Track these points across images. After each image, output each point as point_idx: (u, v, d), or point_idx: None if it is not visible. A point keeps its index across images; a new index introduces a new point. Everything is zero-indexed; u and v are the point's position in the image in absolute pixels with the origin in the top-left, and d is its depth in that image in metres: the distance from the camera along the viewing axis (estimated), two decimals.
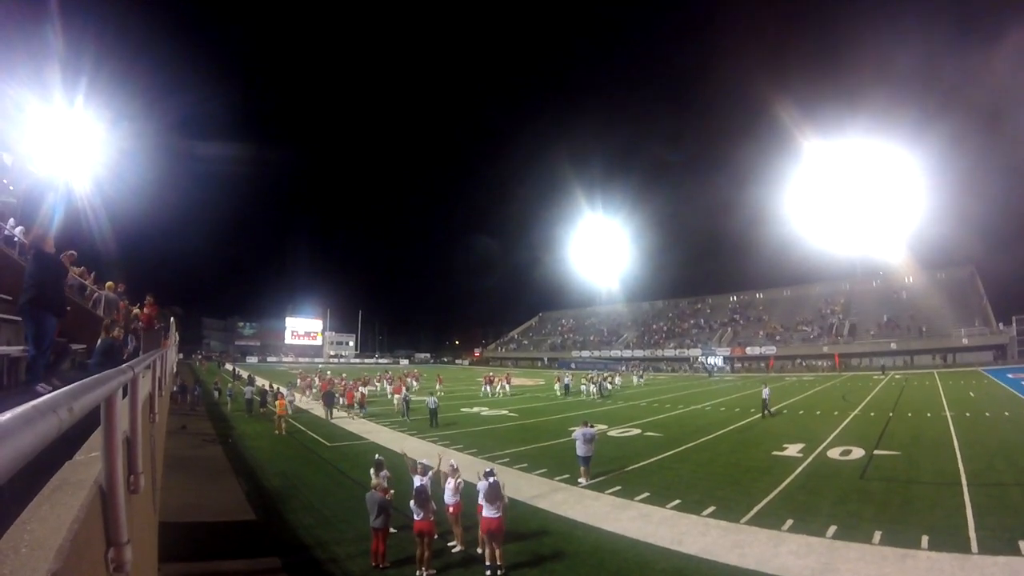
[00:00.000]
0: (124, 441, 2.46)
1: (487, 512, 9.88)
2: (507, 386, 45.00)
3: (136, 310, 13.56)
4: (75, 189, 35.36)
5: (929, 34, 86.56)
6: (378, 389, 43.88)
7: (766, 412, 27.67)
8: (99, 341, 7.78)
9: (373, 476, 12.31)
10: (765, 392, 28.55)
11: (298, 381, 44.12)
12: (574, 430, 16.71)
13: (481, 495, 10.05)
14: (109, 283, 12.92)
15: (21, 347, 6.19)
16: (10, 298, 9.23)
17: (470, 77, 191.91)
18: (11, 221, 14.00)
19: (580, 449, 15.74)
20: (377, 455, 13.83)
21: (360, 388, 36.67)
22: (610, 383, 46.90)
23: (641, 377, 60.70)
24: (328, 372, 53.60)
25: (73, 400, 1.49)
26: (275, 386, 38.98)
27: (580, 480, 15.60)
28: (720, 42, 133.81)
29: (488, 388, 43.72)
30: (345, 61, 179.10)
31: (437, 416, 26.23)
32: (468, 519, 10.87)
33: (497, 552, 9.66)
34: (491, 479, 10.19)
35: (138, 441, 2.92)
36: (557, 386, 43.94)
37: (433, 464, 11.98)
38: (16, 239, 13.06)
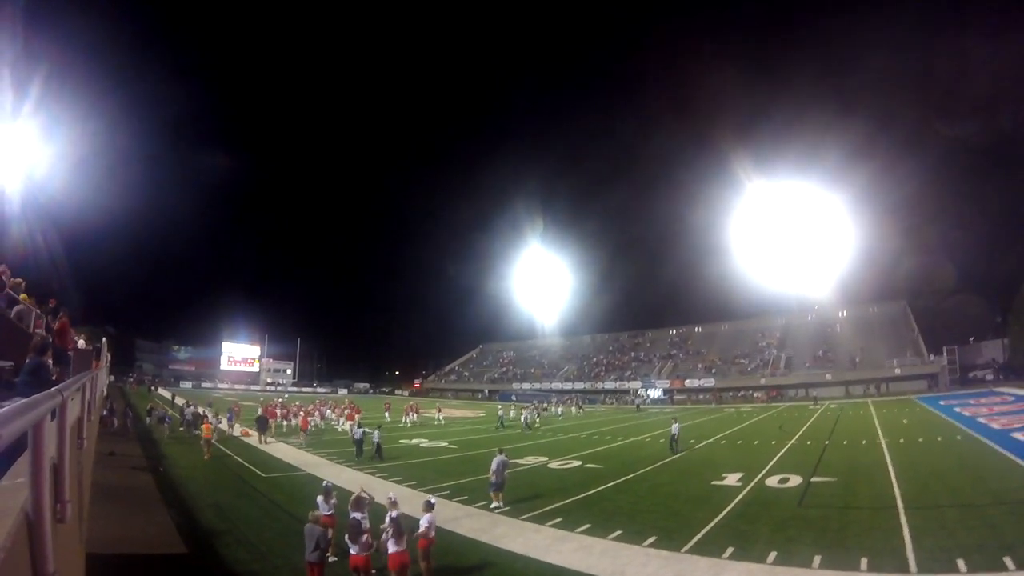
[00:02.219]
0: (51, 467, 2.34)
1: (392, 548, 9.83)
2: (440, 417, 47.89)
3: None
4: (9, 199, 34.09)
5: (857, 70, 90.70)
6: (330, 420, 43.06)
7: (673, 447, 26.63)
8: (27, 360, 7.44)
9: (321, 503, 12.01)
10: (675, 428, 27.69)
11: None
12: (495, 459, 16.91)
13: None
14: (23, 295, 12.30)
15: None
16: None
17: (410, 105, 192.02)
18: None
19: (495, 477, 16.43)
20: (325, 481, 13.53)
21: (314, 414, 38.22)
22: (538, 414, 48.25)
23: (580, 408, 64.33)
24: (278, 400, 52.35)
25: (2, 427, 1.41)
26: (202, 410, 37.93)
27: (494, 505, 16.11)
28: (664, 77, 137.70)
29: (407, 417, 45.46)
30: (290, 79, 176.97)
31: (382, 450, 25.15)
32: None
33: None
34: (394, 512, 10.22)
35: (65, 468, 2.78)
36: (525, 414, 44.19)
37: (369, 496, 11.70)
38: None
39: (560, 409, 62.66)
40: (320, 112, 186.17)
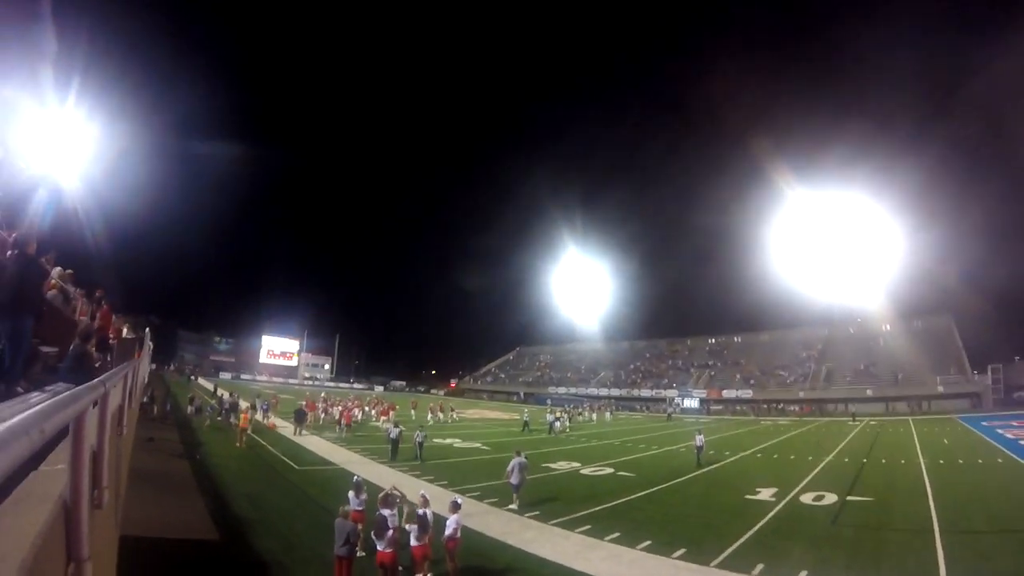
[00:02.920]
0: (91, 454, 2.40)
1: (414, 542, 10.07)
2: (454, 415, 49.63)
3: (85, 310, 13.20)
4: (64, 189, 35.03)
5: (917, 86, 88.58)
6: (369, 415, 43.72)
7: (699, 460, 25.96)
8: (72, 347, 7.66)
9: (352, 498, 12.12)
10: (699, 440, 26.81)
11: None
12: (512, 460, 17.16)
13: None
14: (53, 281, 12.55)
15: None
16: None
17: (456, 108, 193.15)
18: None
19: (513, 478, 16.59)
20: (356, 476, 13.66)
21: (354, 410, 38.86)
22: (569, 419, 48.19)
23: (611, 415, 64.10)
24: (321, 394, 53.38)
25: (45, 421, 1.46)
26: (239, 399, 38.70)
27: (512, 506, 16.29)
28: (709, 84, 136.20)
29: (430, 416, 46.24)
30: (332, 81, 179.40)
31: (423, 449, 24.60)
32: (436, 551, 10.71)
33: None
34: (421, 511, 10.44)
35: (104, 455, 2.86)
36: (549, 417, 44.07)
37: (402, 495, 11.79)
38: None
39: (594, 415, 62.58)
40: (368, 111, 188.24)
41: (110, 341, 11.72)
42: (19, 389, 5.54)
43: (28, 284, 6.15)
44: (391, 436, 24.43)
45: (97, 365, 7.86)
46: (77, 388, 2.23)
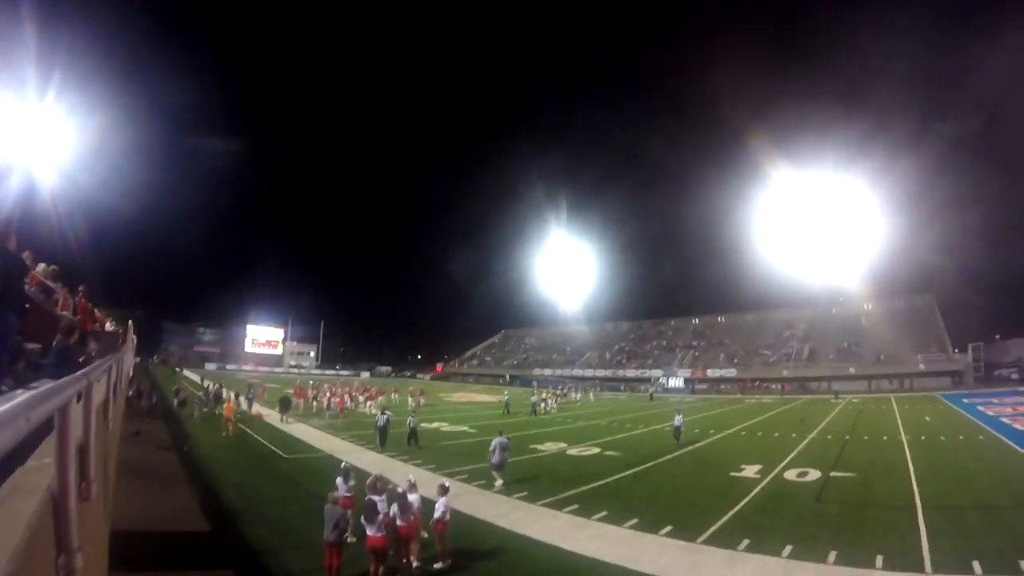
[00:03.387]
0: (77, 448, 2.43)
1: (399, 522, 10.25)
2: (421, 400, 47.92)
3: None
4: (39, 182, 34.61)
5: (893, 66, 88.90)
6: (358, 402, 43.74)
7: (678, 440, 25.39)
8: (55, 342, 7.62)
9: (340, 484, 12.17)
10: (678, 420, 26.34)
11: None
12: (494, 440, 17.49)
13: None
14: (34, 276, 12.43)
15: None
16: None
17: (438, 92, 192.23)
18: None
19: (495, 457, 16.99)
20: (344, 462, 13.72)
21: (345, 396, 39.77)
22: (555, 401, 49.49)
23: (593, 395, 65.68)
24: (310, 381, 53.54)
25: (30, 410, 1.48)
26: (224, 389, 38.68)
27: (497, 483, 16.73)
28: (691, 66, 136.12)
29: (411, 400, 46.45)
30: (313, 67, 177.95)
31: (416, 435, 24.30)
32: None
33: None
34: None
35: (91, 448, 2.88)
36: (534, 399, 44.40)
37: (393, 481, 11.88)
38: None
39: (579, 395, 63.13)
40: (345, 97, 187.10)
41: (90, 335, 11.63)
42: (3, 388, 5.51)
43: (9, 280, 6.10)
44: (379, 424, 23.79)
45: (81, 360, 7.83)
46: (60, 380, 2.25)
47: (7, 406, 1.41)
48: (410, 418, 25.27)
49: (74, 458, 2.16)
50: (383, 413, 25.05)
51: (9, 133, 33.32)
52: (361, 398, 44.39)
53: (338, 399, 36.70)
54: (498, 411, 42.87)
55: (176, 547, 11.21)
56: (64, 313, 11.38)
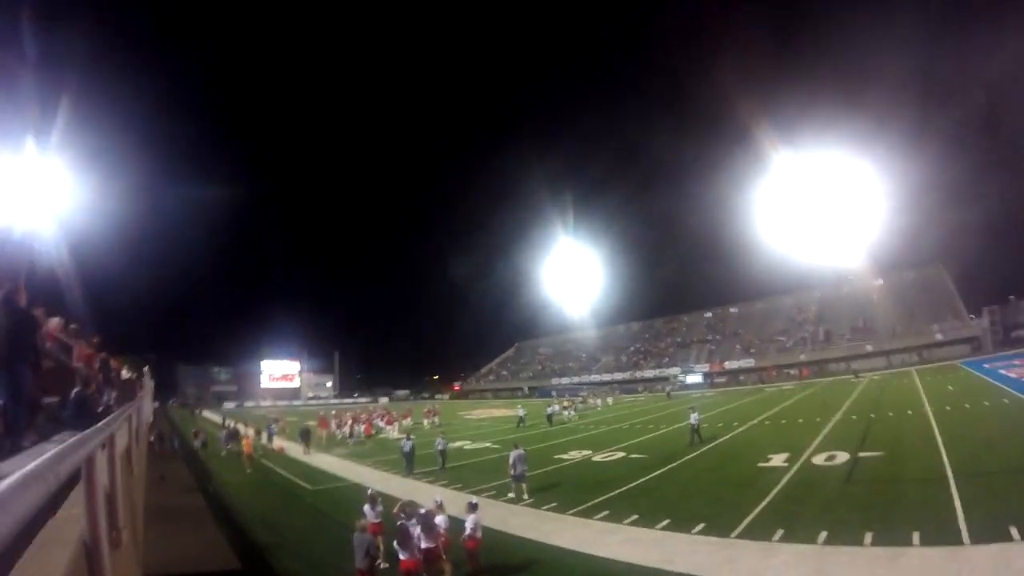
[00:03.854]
0: (105, 496, 2.44)
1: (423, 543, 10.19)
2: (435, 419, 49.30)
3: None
4: (43, 237, 34.91)
5: (884, 38, 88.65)
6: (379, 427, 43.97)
7: (693, 440, 24.45)
8: (72, 393, 7.67)
9: (368, 511, 12.18)
10: (694, 418, 25.30)
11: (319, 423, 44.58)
12: (511, 453, 17.80)
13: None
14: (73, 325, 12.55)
15: None
16: None
17: (442, 109, 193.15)
18: None
19: (515, 469, 17.20)
20: (370, 489, 13.72)
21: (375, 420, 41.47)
22: (573, 409, 49.22)
23: (611, 399, 65.05)
24: (332, 412, 53.93)
25: (58, 464, 1.49)
26: (238, 426, 38.91)
27: (524, 496, 16.96)
28: (689, 61, 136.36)
29: (426, 421, 48.22)
30: (321, 96, 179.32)
31: (446, 457, 23.94)
32: (457, 553, 10.76)
33: None
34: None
35: (118, 496, 2.89)
36: (548, 409, 44.23)
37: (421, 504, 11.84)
38: None
39: (599, 401, 62.89)
40: (349, 122, 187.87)
41: (106, 383, 11.70)
42: (26, 443, 5.55)
43: (21, 335, 6.15)
44: (404, 450, 22.83)
45: (100, 410, 7.88)
46: (84, 432, 2.26)
47: (35, 463, 1.42)
48: (439, 440, 24.82)
49: (103, 506, 2.17)
50: (408, 438, 23.90)
51: (11, 187, 33.69)
52: (381, 423, 44.47)
53: (364, 425, 37.18)
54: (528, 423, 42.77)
55: None
56: (79, 365, 11.47)
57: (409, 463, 22.72)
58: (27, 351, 6.17)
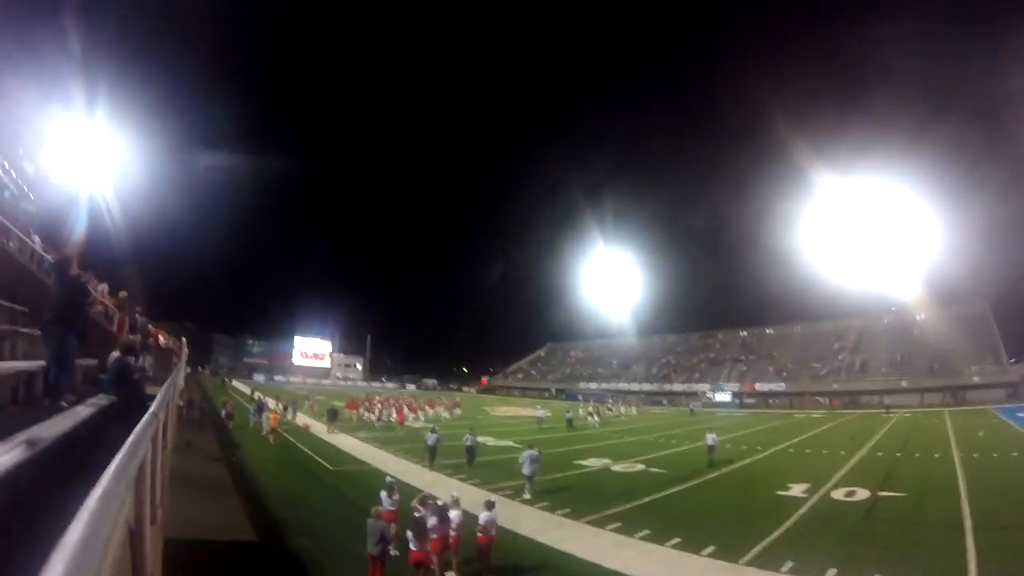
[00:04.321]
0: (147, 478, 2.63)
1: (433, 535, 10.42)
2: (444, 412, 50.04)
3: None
4: (94, 201, 36.07)
5: (946, 64, 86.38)
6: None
7: (711, 461, 24.56)
8: (112, 359, 8.00)
9: (385, 498, 12.44)
10: (710, 439, 25.41)
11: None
12: (524, 452, 18.63)
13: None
14: (123, 293, 13.06)
15: (39, 363, 6.38)
16: (27, 310, 9.34)
17: (485, 103, 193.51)
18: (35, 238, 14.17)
19: (526, 469, 17.90)
20: (389, 477, 13.99)
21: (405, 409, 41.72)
22: (598, 414, 49.31)
23: (636, 409, 66.03)
24: (364, 395, 54.98)
25: (126, 472, 1.66)
26: (267, 399, 39.84)
27: (525, 495, 17.57)
28: (737, 77, 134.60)
29: (447, 412, 49.89)
30: (361, 80, 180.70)
31: (473, 454, 23.12)
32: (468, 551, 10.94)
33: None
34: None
35: (157, 474, 3.09)
36: (569, 414, 44.21)
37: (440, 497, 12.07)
38: (35, 252, 13.32)
39: (624, 409, 62.89)
40: (391, 109, 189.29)
41: (145, 350, 12.11)
42: (63, 404, 5.84)
43: (72, 304, 6.47)
44: (428, 443, 22.62)
45: (137, 378, 8.20)
46: (139, 430, 2.44)
47: (110, 479, 1.58)
48: (467, 436, 23.87)
49: (148, 488, 2.35)
50: (432, 431, 23.46)
51: (65, 156, 34.83)
52: (406, 411, 44.76)
53: (398, 412, 38.87)
54: (547, 426, 42.85)
55: (225, 555, 11.50)
56: (120, 334, 11.91)
57: (431, 456, 22.47)
58: (76, 319, 6.48)
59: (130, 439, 2.01)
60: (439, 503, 10.80)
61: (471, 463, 22.67)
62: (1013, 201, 72.79)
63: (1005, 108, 72.50)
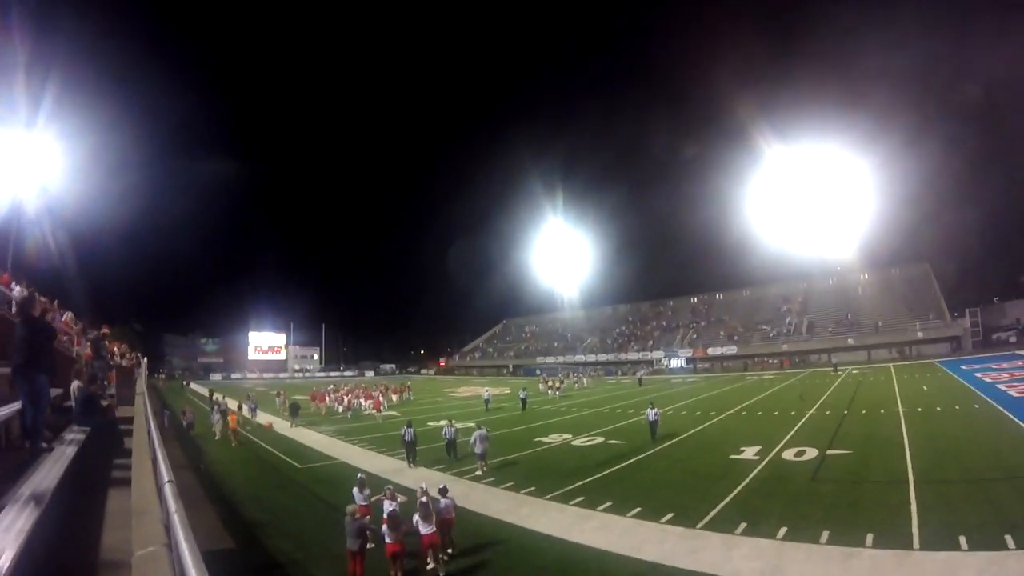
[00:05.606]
0: None
1: (423, 530, 10.85)
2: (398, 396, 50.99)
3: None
4: (31, 208, 35.18)
5: (881, 35, 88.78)
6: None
7: (653, 436, 23.53)
8: (75, 388, 8.19)
9: (356, 494, 12.86)
10: (651, 414, 24.08)
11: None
12: (474, 432, 19.93)
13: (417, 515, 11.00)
14: (104, 331, 13.11)
15: (14, 406, 6.58)
16: None
17: (433, 83, 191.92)
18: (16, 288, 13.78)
19: (477, 448, 19.24)
20: (360, 474, 14.38)
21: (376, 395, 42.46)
22: (557, 388, 51.65)
23: (587, 380, 68.16)
24: (329, 386, 54.57)
25: None
26: (226, 399, 40.05)
27: (477, 472, 18.97)
28: (681, 45, 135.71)
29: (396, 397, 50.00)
30: (307, 66, 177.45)
31: (454, 448, 22.03)
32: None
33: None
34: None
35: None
36: (522, 393, 42.68)
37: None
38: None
39: (576, 381, 64.92)
40: (339, 93, 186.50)
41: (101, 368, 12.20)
42: (43, 445, 6.11)
43: (39, 345, 6.67)
44: (406, 439, 20.95)
45: (106, 405, 8.43)
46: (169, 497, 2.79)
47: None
48: (446, 427, 22.49)
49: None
50: (408, 426, 21.50)
51: (4, 163, 33.78)
52: (362, 400, 44.76)
53: (373, 401, 39.80)
54: (504, 404, 43.54)
55: (209, 566, 11.78)
56: (77, 349, 11.97)
57: (411, 453, 21.14)
58: (44, 359, 6.70)
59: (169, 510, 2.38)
60: (422, 500, 11.23)
61: (453, 456, 21.74)
62: (951, 164, 75.62)
63: (944, 67, 75.02)
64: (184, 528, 2.81)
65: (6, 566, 2.44)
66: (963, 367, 46.58)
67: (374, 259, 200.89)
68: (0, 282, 13.45)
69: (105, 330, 12.39)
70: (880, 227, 79.33)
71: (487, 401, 42.20)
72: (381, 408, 37.74)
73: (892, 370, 51.94)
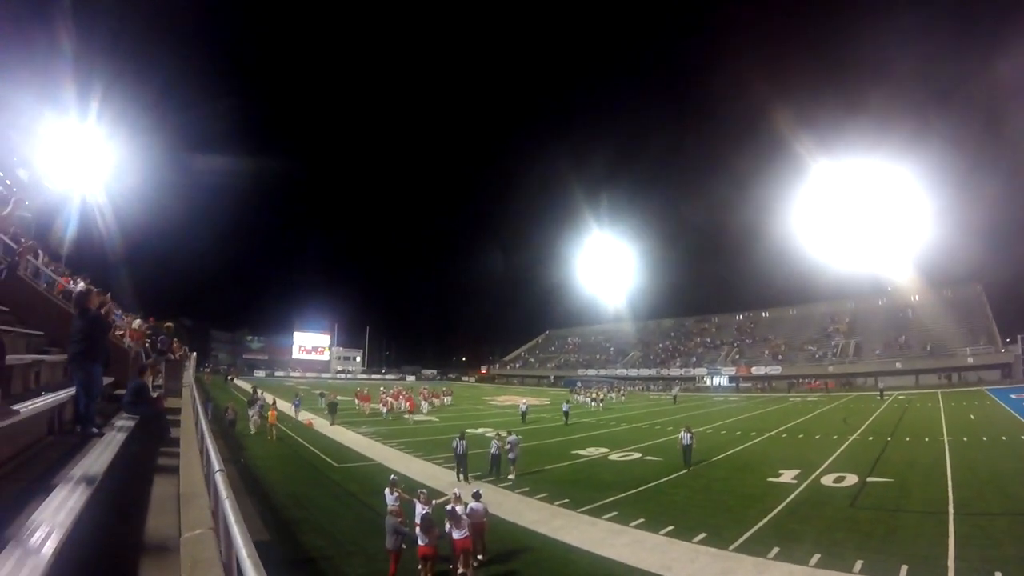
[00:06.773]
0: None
1: (456, 535, 10.83)
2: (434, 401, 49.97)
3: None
4: (87, 204, 36.49)
5: (940, 51, 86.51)
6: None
7: (687, 460, 21.74)
8: (131, 382, 8.52)
9: (388, 495, 13.06)
10: (685, 438, 22.05)
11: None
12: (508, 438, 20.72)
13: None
14: (168, 324, 13.58)
15: (68, 392, 6.89)
16: (42, 333, 9.60)
17: (480, 94, 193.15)
18: (79, 283, 14.20)
19: (511, 454, 19.96)
20: (392, 475, 14.56)
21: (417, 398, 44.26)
22: (600, 401, 52.08)
23: (620, 393, 67.06)
24: (380, 388, 55.75)
25: None
26: (266, 395, 40.73)
27: (510, 476, 19.71)
28: (730, 61, 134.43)
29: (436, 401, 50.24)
30: (357, 76, 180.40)
31: (499, 464, 20.32)
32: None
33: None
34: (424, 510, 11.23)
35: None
36: (564, 406, 41.90)
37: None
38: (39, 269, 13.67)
39: (614, 394, 64.42)
40: (387, 101, 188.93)
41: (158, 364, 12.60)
42: (94, 430, 6.38)
43: (95, 336, 6.98)
44: (458, 452, 19.32)
45: (155, 396, 8.75)
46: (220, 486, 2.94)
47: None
48: (494, 442, 20.87)
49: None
50: (460, 438, 19.62)
51: (57, 157, 35.10)
52: (403, 403, 45.52)
53: (410, 401, 41.62)
54: (543, 415, 43.42)
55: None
56: (130, 343, 12.40)
57: (462, 465, 19.47)
58: (100, 351, 7.01)
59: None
60: (448, 508, 11.32)
61: (495, 472, 20.20)
62: (1008, 186, 73.28)
63: (1003, 93, 72.79)
64: (235, 513, 3.00)
65: (58, 543, 2.61)
66: (1013, 396, 45.02)
67: (420, 265, 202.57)
68: (61, 280, 13.98)
69: (168, 324, 12.79)
70: (932, 246, 77.36)
71: (524, 413, 41.21)
72: (415, 410, 38.15)
73: (939, 396, 50.55)
